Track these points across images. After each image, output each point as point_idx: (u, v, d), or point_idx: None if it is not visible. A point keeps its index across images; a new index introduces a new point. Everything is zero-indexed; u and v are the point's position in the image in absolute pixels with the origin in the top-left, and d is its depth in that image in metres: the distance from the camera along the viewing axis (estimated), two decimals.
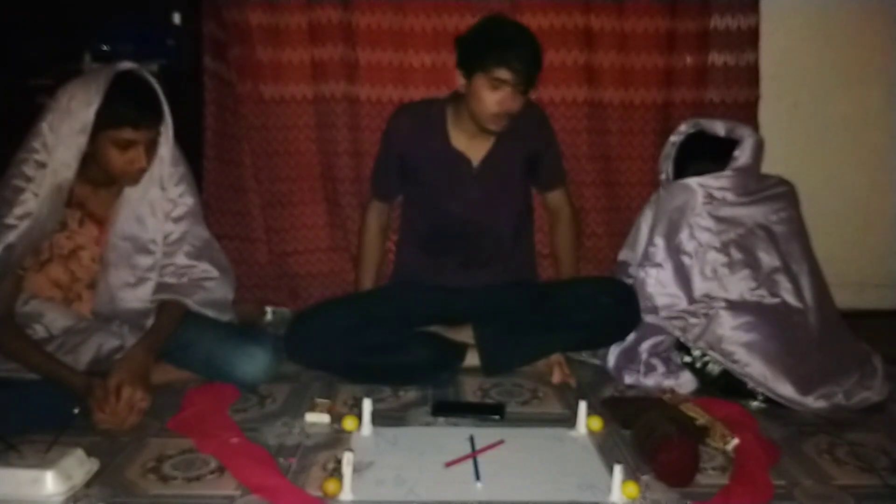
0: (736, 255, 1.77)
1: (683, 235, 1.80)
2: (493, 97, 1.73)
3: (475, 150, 1.88)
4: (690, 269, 1.79)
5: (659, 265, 1.82)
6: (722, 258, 1.77)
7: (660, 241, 1.84)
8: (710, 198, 1.79)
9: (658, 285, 1.81)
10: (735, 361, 1.67)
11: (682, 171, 1.88)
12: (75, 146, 1.49)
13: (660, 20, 2.28)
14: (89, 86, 1.49)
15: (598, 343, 1.89)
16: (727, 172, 1.80)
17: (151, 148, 1.57)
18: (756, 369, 1.65)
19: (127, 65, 1.56)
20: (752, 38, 2.31)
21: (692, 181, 1.81)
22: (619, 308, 1.82)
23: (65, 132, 1.48)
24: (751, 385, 1.67)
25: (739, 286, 1.75)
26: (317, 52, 2.26)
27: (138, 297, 1.63)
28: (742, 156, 1.80)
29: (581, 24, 2.27)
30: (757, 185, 1.83)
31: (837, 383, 1.66)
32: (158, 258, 1.64)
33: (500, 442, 1.44)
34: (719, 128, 1.88)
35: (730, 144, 1.83)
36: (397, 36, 2.26)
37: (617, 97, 2.32)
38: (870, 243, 2.57)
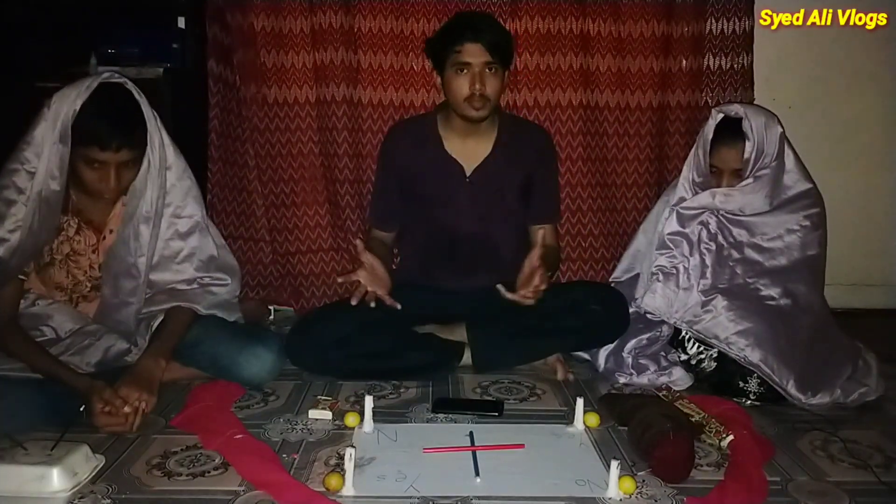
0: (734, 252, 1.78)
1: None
2: (462, 80, 1.76)
3: (469, 157, 1.88)
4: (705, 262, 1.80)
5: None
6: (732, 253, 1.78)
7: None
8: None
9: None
10: (742, 349, 1.66)
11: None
12: (57, 156, 1.45)
13: (656, 24, 2.30)
14: (70, 95, 1.45)
15: (588, 346, 1.91)
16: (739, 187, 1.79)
17: (125, 169, 1.50)
18: (764, 361, 1.64)
19: (114, 77, 1.51)
20: (746, 41, 2.34)
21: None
22: (609, 314, 1.83)
23: (49, 141, 1.45)
24: (742, 385, 1.68)
25: (739, 280, 1.76)
26: (319, 55, 2.29)
27: (124, 318, 1.61)
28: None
29: (578, 28, 2.29)
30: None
31: (838, 376, 1.67)
32: (142, 283, 1.59)
33: (521, 446, 1.43)
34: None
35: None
36: (398, 40, 2.29)
37: (613, 100, 2.35)
38: (863, 243, 2.59)
